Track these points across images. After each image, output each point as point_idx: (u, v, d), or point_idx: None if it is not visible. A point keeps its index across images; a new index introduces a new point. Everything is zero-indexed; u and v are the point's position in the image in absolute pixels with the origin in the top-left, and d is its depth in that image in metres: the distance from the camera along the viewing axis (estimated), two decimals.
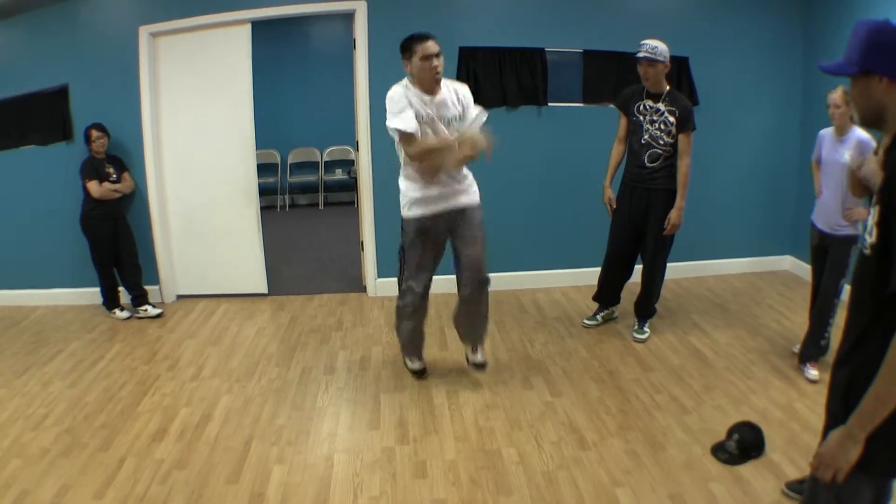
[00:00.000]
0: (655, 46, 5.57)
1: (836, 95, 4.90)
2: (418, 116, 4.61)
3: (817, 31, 7.22)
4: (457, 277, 5.12)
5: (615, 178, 6.13)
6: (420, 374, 5.43)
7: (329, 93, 11.86)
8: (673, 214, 5.79)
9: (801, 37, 7.45)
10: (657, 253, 6.02)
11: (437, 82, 4.67)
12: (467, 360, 5.44)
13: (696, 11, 7.28)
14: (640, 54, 5.62)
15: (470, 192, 4.98)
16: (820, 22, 7.17)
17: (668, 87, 5.77)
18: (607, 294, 6.45)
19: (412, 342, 5.39)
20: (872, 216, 2.11)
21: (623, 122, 6.03)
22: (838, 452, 2.13)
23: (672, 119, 5.67)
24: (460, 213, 4.91)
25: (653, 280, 6.12)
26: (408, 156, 4.74)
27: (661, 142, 5.72)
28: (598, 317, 6.52)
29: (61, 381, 5.53)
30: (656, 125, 5.73)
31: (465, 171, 4.96)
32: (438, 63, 4.57)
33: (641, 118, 5.80)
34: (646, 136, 5.77)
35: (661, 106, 5.72)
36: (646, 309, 6.21)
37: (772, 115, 7.64)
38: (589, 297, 6.57)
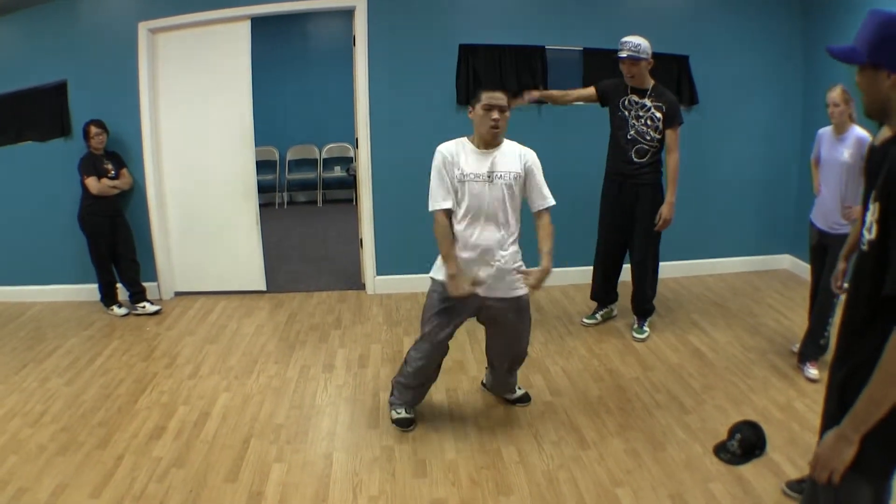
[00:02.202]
0: (638, 44, 5.54)
1: (835, 94, 4.90)
2: (466, 175, 4.21)
3: (817, 30, 7.21)
4: (487, 351, 4.82)
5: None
6: (407, 424, 4.67)
7: (328, 90, 11.84)
8: (664, 210, 5.78)
9: (801, 36, 7.44)
10: (646, 248, 6.01)
11: (495, 137, 4.26)
12: (506, 399, 5.03)
13: (697, 10, 7.27)
14: (623, 54, 5.58)
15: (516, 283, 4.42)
16: (819, 21, 7.16)
17: (653, 82, 5.74)
18: (603, 291, 6.44)
19: (415, 386, 4.69)
20: (872, 213, 2.10)
21: (591, 89, 6.04)
22: (833, 454, 2.13)
23: (659, 115, 5.67)
24: (497, 303, 4.43)
25: (644, 276, 6.11)
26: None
27: (648, 137, 5.71)
28: (598, 315, 6.48)
29: (59, 377, 5.52)
30: (642, 121, 5.72)
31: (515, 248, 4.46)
32: (500, 117, 4.18)
33: (627, 113, 5.77)
34: (632, 132, 5.75)
35: (647, 101, 5.69)
36: (642, 306, 6.18)
37: (771, 113, 7.64)
38: (588, 296, 6.56)
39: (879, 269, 2.05)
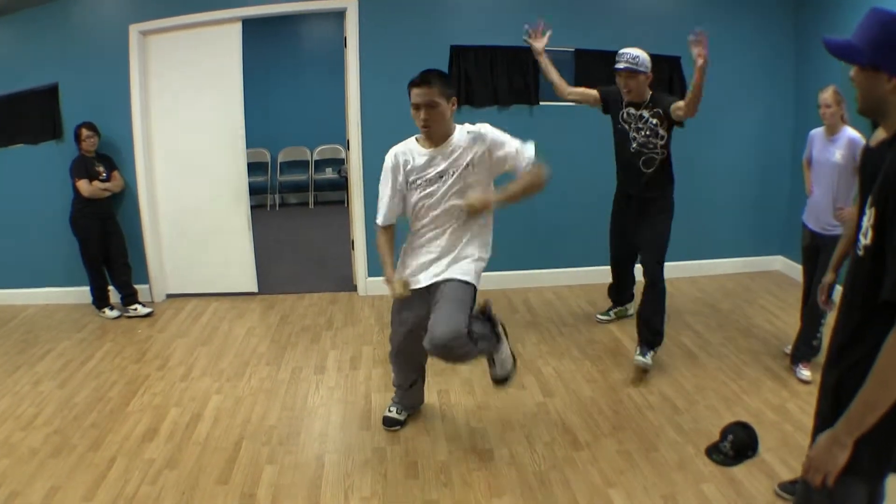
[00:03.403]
0: (637, 56, 5.22)
1: (827, 95, 4.92)
2: (416, 180, 4.08)
3: (809, 30, 7.22)
4: None
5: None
6: (390, 423, 4.70)
7: (319, 92, 11.85)
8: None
9: (793, 37, 7.46)
10: (656, 268, 5.45)
11: (429, 136, 4.02)
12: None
13: (689, 11, 7.27)
14: (620, 65, 5.25)
15: (458, 267, 4.15)
16: (812, 22, 7.18)
17: (650, 93, 5.39)
18: (616, 294, 6.52)
19: (398, 386, 4.74)
20: (868, 217, 2.08)
21: (594, 92, 5.73)
22: (827, 456, 2.12)
23: (656, 121, 5.31)
24: (436, 287, 4.16)
25: (655, 302, 5.49)
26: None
27: (652, 145, 5.40)
28: (612, 313, 6.55)
29: (51, 380, 5.51)
30: (643, 133, 5.39)
31: (474, 244, 4.21)
32: (427, 116, 3.92)
33: (627, 126, 5.48)
34: (634, 145, 5.44)
35: (644, 113, 5.36)
36: (650, 337, 5.53)
37: (763, 114, 7.66)
38: (581, 297, 6.62)
39: (875, 274, 2.04)
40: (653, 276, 5.50)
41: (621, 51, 5.29)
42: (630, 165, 5.54)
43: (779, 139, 7.68)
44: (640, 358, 5.47)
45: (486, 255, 4.29)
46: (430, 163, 4.06)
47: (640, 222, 5.60)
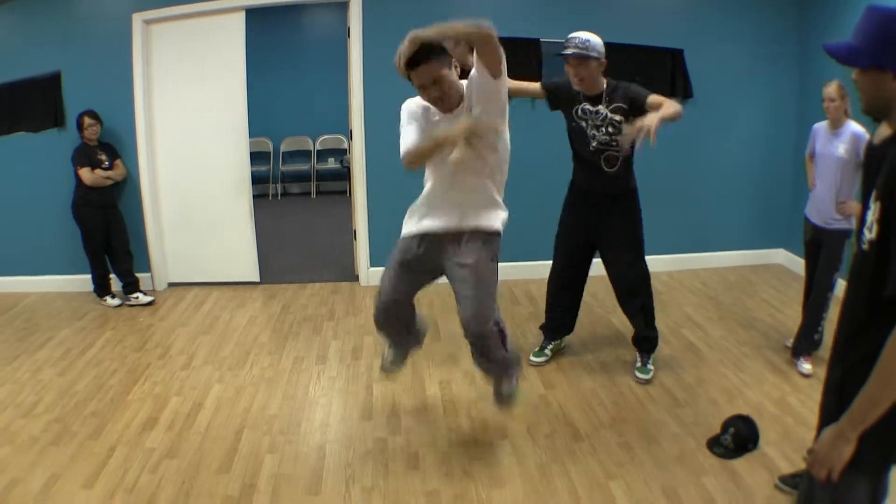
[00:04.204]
0: (587, 40, 4.66)
1: (831, 89, 4.90)
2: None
3: (812, 21, 7.20)
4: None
5: None
6: (386, 365, 4.67)
7: (322, 82, 11.85)
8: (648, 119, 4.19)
9: (797, 29, 7.42)
10: (637, 264, 5.12)
11: (445, 108, 3.75)
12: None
13: (692, 3, 7.25)
14: (569, 51, 4.69)
15: (484, 217, 4.03)
16: (815, 13, 7.14)
17: (605, 84, 4.83)
18: (556, 321, 5.59)
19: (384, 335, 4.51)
20: (873, 212, 2.07)
21: (537, 86, 5.19)
22: (831, 451, 2.12)
23: (618, 117, 4.72)
24: (456, 242, 3.97)
25: (643, 298, 5.20)
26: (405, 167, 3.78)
27: (615, 143, 4.80)
28: (547, 350, 5.59)
29: (52, 368, 5.51)
30: (602, 130, 4.82)
31: (494, 197, 4.11)
32: (438, 93, 3.65)
33: (584, 124, 4.92)
34: (594, 143, 4.88)
35: (601, 109, 4.80)
36: (646, 334, 5.28)
37: (766, 107, 7.63)
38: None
39: (880, 269, 2.03)
40: (637, 274, 5.14)
41: (570, 35, 4.76)
42: (590, 164, 5.02)
43: (781, 132, 7.66)
44: (643, 376, 5.19)
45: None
46: (449, 123, 3.70)
47: (610, 222, 5.10)
